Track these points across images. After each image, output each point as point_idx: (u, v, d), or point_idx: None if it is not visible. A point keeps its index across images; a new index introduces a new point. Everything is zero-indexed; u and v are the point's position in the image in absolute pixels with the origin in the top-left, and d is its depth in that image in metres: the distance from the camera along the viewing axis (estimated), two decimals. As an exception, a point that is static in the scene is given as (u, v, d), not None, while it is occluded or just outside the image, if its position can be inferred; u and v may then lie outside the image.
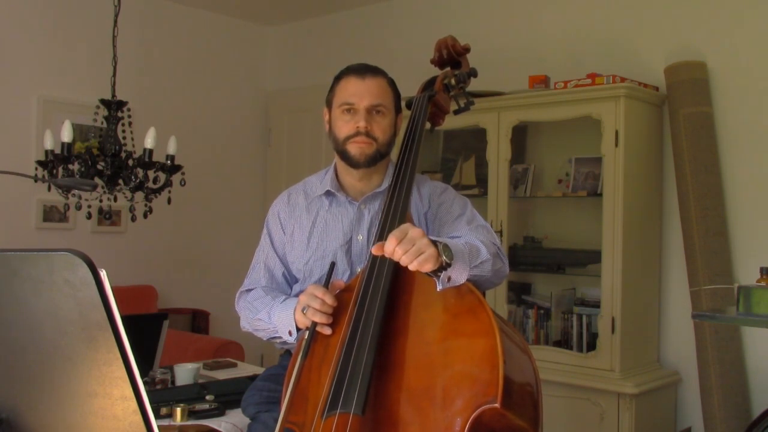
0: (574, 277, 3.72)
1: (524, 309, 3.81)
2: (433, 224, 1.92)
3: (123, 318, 0.84)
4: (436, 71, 2.13)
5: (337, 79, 1.94)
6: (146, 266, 4.72)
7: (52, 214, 4.33)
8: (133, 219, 3.22)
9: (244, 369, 3.09)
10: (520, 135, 3.88)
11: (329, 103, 1.96)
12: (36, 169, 3.21)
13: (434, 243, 1.49)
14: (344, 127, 1.89)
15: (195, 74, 5.04)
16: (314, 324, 1.68)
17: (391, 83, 1.96)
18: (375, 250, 1.49)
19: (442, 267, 1.50)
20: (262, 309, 1.89)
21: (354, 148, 1.88)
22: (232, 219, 5.20)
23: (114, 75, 3.43)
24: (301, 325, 1.76)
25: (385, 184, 1.93)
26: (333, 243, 1.92)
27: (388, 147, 1.92)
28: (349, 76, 1.91)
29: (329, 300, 1.67)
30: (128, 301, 4.22)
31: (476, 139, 3.94)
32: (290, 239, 1.99)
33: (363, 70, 1.91)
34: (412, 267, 1.46)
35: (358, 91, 1.87)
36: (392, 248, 1.46)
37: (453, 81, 2.06)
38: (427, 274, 1.52)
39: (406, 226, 1.51)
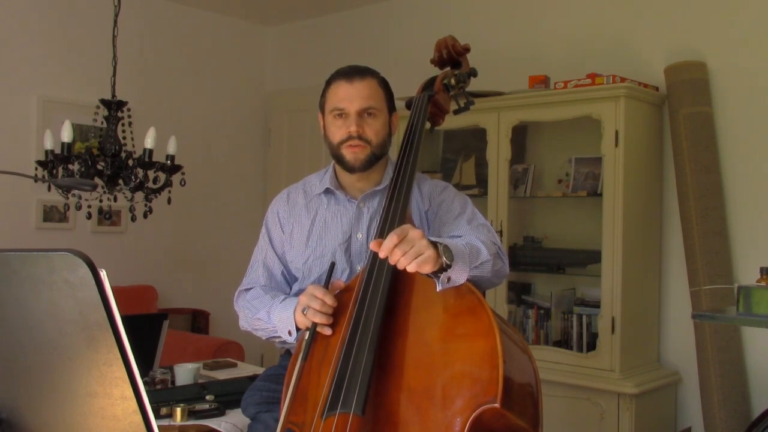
0: (574, 277, 3.72)
1: (524, 309, 3.81)
2: (433, 223, 1.92)
3: (123, 318, 0.84)
4: (436, 71, 2.13)
5: (328, 83, 1.95)
6: (146, 266, 4.72)
7: (52, 214, 4.33)
8: (133, 219, 3.22)
9: (244, 369, 3.09)
10: (520, 135, 3.88)
11: (322, 109, 1.96)
12: (36, 169, 3.21)
13: (434, 244, 1.49)
14: (337, 132, 1.89)
15: (195, 74, 5.04)
16: (314, 324, 1.68)
17: (382, 82, 1.95)
18: (373, 246, 1.49)
19: (443, 268, 1.50)
20: (262, 308, 1.89)
21: (348, 154, 1.88)
22: (232, 219, 5.20)
23: (114, 75, 3.43)
24: (301, 326, 1.76)
25: (385, 182, 1.93)
26: (332, 242, 1.92)
27: (382, 148, 1.92)
28: (338, 81, 1.91)
29: (329, 300, 1.67)
30: (128, 301, 4.22)
31: (476, 139, 3.94)
32: (289, 238, 1.99)
33: (351, 73, 1.91)
34: (410, 269, 1.46)
35: (348, 96, 1.87)
36: (391, 247, 1.45)
37: (453, 81, 2.05)
38: (426, 275, 1.52)
39: (406, 226, 1.51)
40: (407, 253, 1.45)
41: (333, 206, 1.96)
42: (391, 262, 1.48)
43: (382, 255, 1.48)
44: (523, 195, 3.85)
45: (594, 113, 3.39)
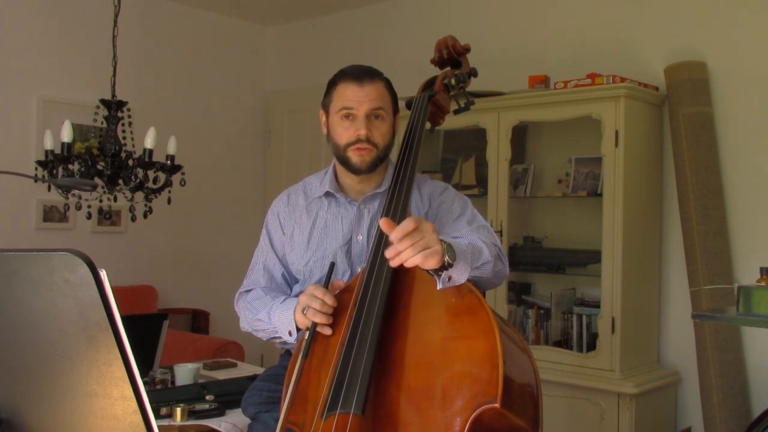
0: (574, 277, 3.72)
1: (524, 309, 3.81)
2: (433, 224, 1.92)
3: (123, 318, 0.84)
4: (436, 71, 2.13)
5: (333, 83, 1.91)
6: (146, 266, 4.72)
7: (52, 214, 4.33)
8: (133, 219, 3.22)
9: (244, 369, 3.09)
10: (520, 135, 3.88)
11: (326, 108, 1.94)
12: (36, 169, 3.21)
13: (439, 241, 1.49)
14: (344, 134, 1.87)
15: (195, 74, 5.04)
16: (314, 324, 1.68)
17: (388, 85, 1.93)
18: (383, 224, 1.45)
19: (444, 266, 1.49)
20: (262, 309, 1.89)
21: (355, 156, 1.87)
22: (232, 219, 5.20)
23: (114, 75, 3.43)
24: (301, 326, 1.76)
25: (385, 185, 1.92)
26: (333, 244, 1.92)
27: (387, 150, 1.92)
28: (347, 82, 1.88)
29: (329, 300, 1.67)
30: (128, 301, 4.22)
31: (476, 139, 3.94)
32: (290, 240, 1.98)
33: (360, 75, 1.88)
34: (415, 260, 1.44)
35: (357, 97, 1.85)
36: (408, 230, 1.43)
37: (453, 81, 2.05)
38: (427, 272, 1.52)
39: (420, 217, 1.49)
40: (417, 243, 1.43)
41: (333, 208, 1.96)
42: (399, 249, 1.43)
43: (394, 237, 1.44)
44: (523, 195, 3.85)
45: (594, 113, 3.39)
